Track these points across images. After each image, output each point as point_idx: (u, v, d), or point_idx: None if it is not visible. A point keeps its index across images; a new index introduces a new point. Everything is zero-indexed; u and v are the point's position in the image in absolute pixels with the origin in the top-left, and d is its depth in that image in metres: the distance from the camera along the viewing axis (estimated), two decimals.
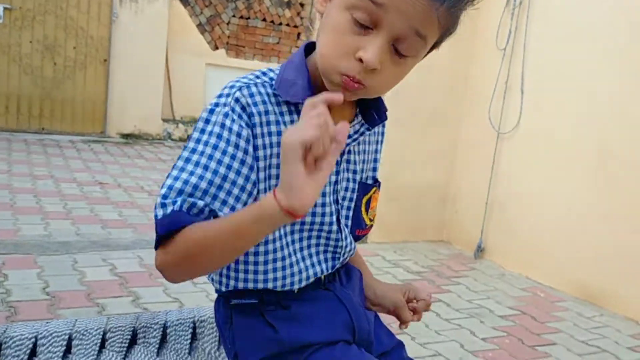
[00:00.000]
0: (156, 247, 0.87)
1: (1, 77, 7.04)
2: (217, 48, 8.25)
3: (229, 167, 0.87)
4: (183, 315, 1.15)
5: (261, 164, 0.90)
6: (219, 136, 0.87)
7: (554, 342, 3.02)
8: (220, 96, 0.91)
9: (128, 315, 1.10)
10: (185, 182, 0.85)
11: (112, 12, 7.46)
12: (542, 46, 3.94)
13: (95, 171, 5.72)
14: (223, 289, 1.00)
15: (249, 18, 8.31)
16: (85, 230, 3.87)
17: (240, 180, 0.88)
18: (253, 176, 0.89)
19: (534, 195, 3.97)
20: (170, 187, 0.85)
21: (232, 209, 0.87)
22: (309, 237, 0.99)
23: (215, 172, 0.86)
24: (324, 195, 0.96)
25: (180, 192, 0.85)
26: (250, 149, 0.89)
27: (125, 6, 7.54)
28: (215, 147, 0.87)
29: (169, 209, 0.84)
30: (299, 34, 8.59)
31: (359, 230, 1.06)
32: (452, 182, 4.61)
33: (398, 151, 4.28)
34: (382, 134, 1.13)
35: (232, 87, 0.91)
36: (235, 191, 0.87)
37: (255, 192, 0.90)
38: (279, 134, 0.90)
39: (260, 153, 0.90)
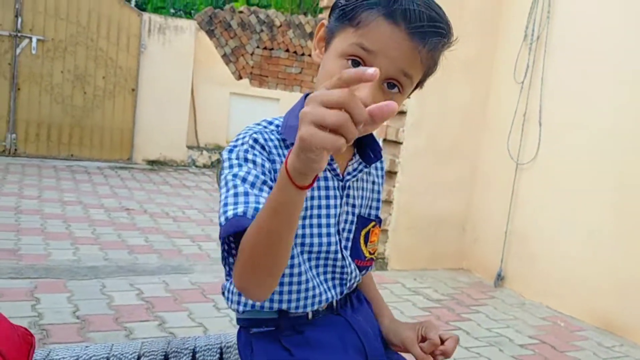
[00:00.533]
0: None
1: (33, 105, 7.31)
2: (241, 78, 8.45)
3: (256, 177, 0.98)
4: (210, 341, 1.24)
5: None
6: (245, 160, 0.99)
7: None
8: (237, 140, 1.04)
9: (160, 339, 1.19)
10: (233, 206, 0.95)
11: (141, 43, 7.72)
12: (559, 79, 4.01)
13: (121, 197, 5.88)
14: (241, 308, 1.08)
15: (272, 49, 8.51)
16: (112, 256, 3.99)
17: (265, 187, 0.98)
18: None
19: (554, 225, 4.00)
20: (225, 218, 0.95)
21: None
22: (319, 265, 1.08)
23: (249, 183, 0.97)
24: (328, 225, 1.07)
25: (231, 213, 0.95)
26: (271, 172, 1.00)
27: (153, 38, 7.80)
28: (240, 167, 0.99)
29: (229, 217, 0.94)
30: None
31: (359, 261, 1.14)
32: (471, 211, 4.66)
33: (418, 180, 4.36)
34: (382, 176, 1.23)
35: (247, 131, 1.04)
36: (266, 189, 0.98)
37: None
38: None
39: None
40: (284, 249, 0.88)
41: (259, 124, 1.08)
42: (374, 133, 1.14)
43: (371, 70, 0.67)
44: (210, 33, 8.19)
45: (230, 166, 1.00)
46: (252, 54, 8.43)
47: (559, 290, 3.94)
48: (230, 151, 1.02)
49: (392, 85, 0.96)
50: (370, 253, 1.16)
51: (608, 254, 3.63)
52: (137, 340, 1.13)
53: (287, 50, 8.59)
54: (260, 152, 1.01)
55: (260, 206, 0.94)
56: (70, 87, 7.48)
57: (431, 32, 0.93)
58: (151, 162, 7.99)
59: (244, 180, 0.97)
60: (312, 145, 0.69)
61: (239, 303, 1.09)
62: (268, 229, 0.85)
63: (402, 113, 4.33)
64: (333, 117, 0.68)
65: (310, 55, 8.65)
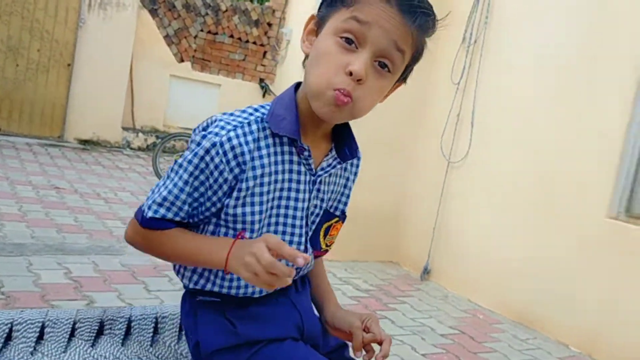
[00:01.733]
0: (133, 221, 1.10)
1: None
2: (182, 60, 8.33)
3: (201, 194, 1.05)
4: (146, 311, 1.27)
5: (250, 182, 1.04)
6: (204, 167, 1.03)
7: None
8: (215, 126, 1.04)
9: (96, 308, 1.21)
10: (164, 197, 1.05)
11: (80, 17, 7.48)
12: (492, 82, 4.20)
13: (51, 175, 5.70)
14: (190, 285, 1.13)
15: (216, 33, 8.43)
16: (40, 234, 3.88)
17: (208, 203, 1.06)
18: (220, 194, 1.05)
19: (478, 223, 4.20)
20: (151, 199, 1.07)
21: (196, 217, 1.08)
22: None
23: (181, 190, 1.04)
24: (294, 217, 1.11)
25: (159, 204, 1.05)
26: (225, 186, 1.04)
27: (93, 12, 7.56)
28: (190, 174, 1.04)
29: (149, 215, 1.06)
30: (265, 53, 8.75)
31: (315, 251, 1.18)
32: (403, 206, 4.81)
33: None
34: (356, 173, 1.26)
35: (227, 123, 1.04)
36: (204, 206, 1.07)
37: (219, 203, 1.06)
38: (269, 164, 1.05)
39: (243, 185, 1.04)
40: (187, 265, 1.12)
41: (243, 113, 1.07)
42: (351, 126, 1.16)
43: (300, 261, 0.89)
44: (154, 12, 8.02)
45: (193, 155, 1.03)
46: (195, 37, 8.32)
47: (479, 284, 4.14)
48: (203, 137, 1.02)
49: (383, 65, 1.00)
50: (327, 245, 1.20)
51: (526, 252, 3.85)
52: (73, 308, 1.15)
53: (232, 36, 8.53)
54: (224, 153, 1.01)
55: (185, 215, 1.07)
56: (2, 57, 7.16)
57: (420, 12, 0.99)
58: (84, 142, 7.76)
59: (190, 183, 1.04)
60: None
61: (188, 279, 1.13)
62: (183, 256, 1.08)
63: None
64: (265, 277, 0.92)
65: (255, 43, 8.63)
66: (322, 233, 1.18)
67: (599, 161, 3.47)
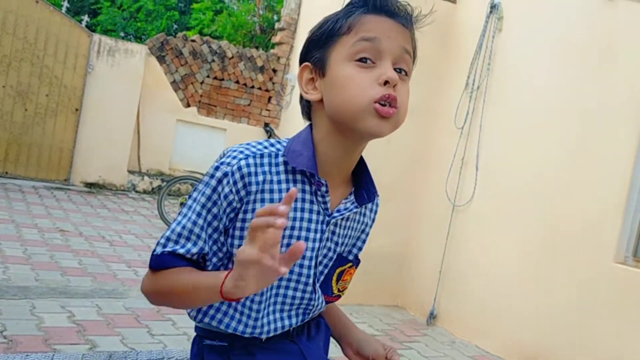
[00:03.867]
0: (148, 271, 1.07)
1: None
2: (189, 105, 8.44)
3: (208, 223, 1.04)
4: (152, 356, 1.25)
5: (247, 224, 1.03)
6: (216, 200, 1.03)
7: None
8: (227, 156, 1.05)
9: (102, 352, 1.20)
10: (177, 233, 1.05)
11: (89, 63, 7.63)
12: (495, 127, 4.23)
13: (56, 218, 5.71)
14: (197, 322, 1.13)
15: (222, 79, 8.57)
16: (44, 276, 3.87)
17: (216, 235, 1.05)
18: (221, 226, 1.04)
19: (485, 267, 4.16)
20: (163, 236, 1.06)
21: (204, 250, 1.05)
22: (287, 296, 1.10)
23: (195, 223, 1.03)
24: (304, 257, 1.08)
25: (168, 238, 1.05)
26: (232, 214, 1.04)
27: (102, 59, 7.72)
28: (203, 205, 1.04)
29: (159, 251, 1.05)
30: (270, 98, 8.87)
31: (326, 296, 1.16)
32: (409, 249, 4.78)
33: None
34: (374, 219, 1.25)
35: (240, 152, 1.05)
36: (213, 237, 1.05)
37: (223, 243, 1.05)
38: (280, 200, 1.02)
39: (249, 216, 1.03)
40: (192, 307, 1.08)
41: (259, 144, 1.08)
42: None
43: (279, 221, 0.81)
44: (161, 59, 8.17)
45: (205, 186, 1.04)
46: (202, 83, 8.45)
47: (486, 330, 4.08)
48: (217, 168, 1.04)
49: (400, 70, 1.05)
50: (339, 290, 1.18)
51: (534, 297, 3.80)
52: (78, 352, 1.13)
53: (237, 82, 8.66)
54: (234, 183, 1.02)
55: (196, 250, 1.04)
56: (11, 102, 7.28)
57: (405, 13, 1.07)
58: (89, 185, 7.81)
59: (194, 223, 1.04)
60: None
61: (198, 311, 1.11)
62: (181, 297, 1.03)
63: None
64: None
65: (260, 88, 8.76)
66: (334, 278, 1.16)
67: (605, 205, 3.46)
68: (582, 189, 3.61)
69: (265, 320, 1.08)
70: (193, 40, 8.42)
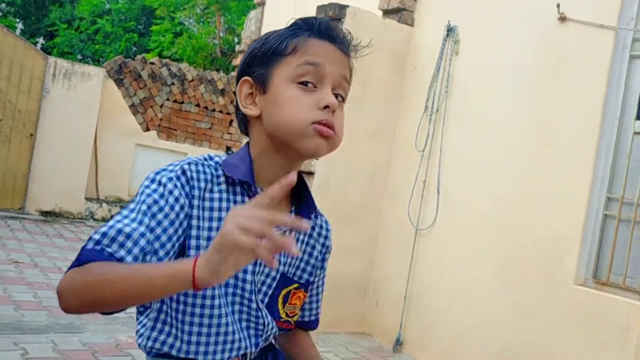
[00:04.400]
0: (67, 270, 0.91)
1: None
2: (148, 129, 8.31)
3: (158, 223, 0.98)
4: None
5: (193, 232, 1.02)
6: (161, 195, 1.00)
7: None
8: (164, 168, 1.05)
9: None
10: (117, 229, 0.94)
11: (44, 87, 7.45)
12: (455, 149, 4.27)
13: (10, 249, 5.51)
14: (149, 355, 1.07)
15: (182, 102, 8.48)
16: None
17: (164, 238, 0.98)
18: (175, 239, 1.00)
19: (449, 291, 4.17)
20: (102, 232, 0.94)
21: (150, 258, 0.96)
22: (242, 312, 1.08)
23: (147, 226, 0.96)
24: (245, 271, 1.06)
25: (104, 234, 0.93)
26: (182, 215, 1.01)
27: (57, 82, 7.55)
28: (155, 202, 0.99)
29: (91, 245, 0.93)
30: (231, 121, 8.80)
31: (276, 321, 1.13)
32: (372, 274, 4.76)
33: None
34: (324, 244, 1.22)
35: (180, 162, 1.07)
36: (157, 245, 0.97)
37: (172, 252, 0.99)
38: (219, 209, 1.05)
39: (194, 222, 1.03)
40: (132, 304, 0.90)
41: (197, 157, 1.10)
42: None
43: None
44: (119, 82, 8.05)
45: (146, 188, 1.00)
46: (161, 106, 8.34)
47: (454, 356, 4.07)
48: (157, 173, 1.03)
49: (337, 96, 1.08)
50: (287, 315, 1.15)
51: (497, 320, 3.82)
52: None
53: (198, 105, 8.58)
54: (182, 186, 1.02)
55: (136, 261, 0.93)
56: None
57: (347, 41, 1.11)
58: (45, 213, 7.57)
59: (146, 226, 0.96)
60: (230, 241, 0.76)
61: (148, 338, 1.06)
62: (127, 288, 0.85)
63: (310, 174, 4.42)
64: (255, 223, 0.76)
65: (221, 112, 8.69)
66: (280, 300, 1.13)
67: (564, 227, 3.51)
68: (541, 211, 3.66)
69: (220, 338, 1.05)
70: (152, 63, 8.33)
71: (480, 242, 4.00)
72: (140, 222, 0.95)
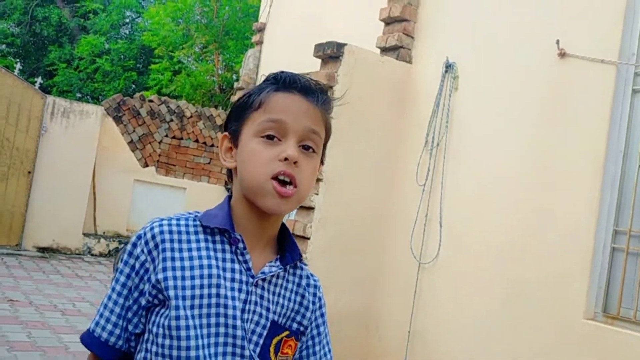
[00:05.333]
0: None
1: None
2: (147, 165, 8.29)
3: (126, 298, 1.06)
4: None
5: (170, 282, 1.02)
6: (126, 263, 1.07)
7: None
8: (144, 227, 1.08)
9: None
10: (100, 314, 1.07)
11: (42, 125, 7.45)
12: (457, 183, 4.24)
13: (6, 287, 5.42)
14: None
15: (181, 138, 8.49)
16: None
17: (135, 307, 1.05)
18: (143, 301, 1.04)
19: (453, 325, 4.08)
20: (95, 320, 1.07)
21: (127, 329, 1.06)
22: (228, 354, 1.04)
23: (120, 305, 1.06)
24: (234, 318, 1.03)
25: (96, 323, 1.07)
26: (144, 273, 1.04)
27: (56, 121, 7.57)
28: (122, 281, 1.06)
29: (86, 333, 1.08)
30: None
31: None
32: (375, 309, 4.67)
33: (323, 276, 4.31)
34: (315, 294, 1.19)
35: (157, 219, 1.09)
36: (130, 315, 1.05)
37: (145, 304, 1.04)
38: (199, 257, 1.05)
39: (169, 273, 1.02)
40: None
41: (177, 214, 1.12)
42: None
43: None
44: (118, 119, 8.06)
45: (123, 256, 1.07)
46: (160, 142, 8.34)
47: None
48: (127, 252, 1.07)
49: (307, 147, 1.08)
50: None
51: (504, 355, 3.73)
52: None
53: (197, 141, 8.59)
54: (145, 243, 1.05)
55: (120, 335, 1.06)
56: None
57: (319, 92, 1.10)
58: (42, 249, 7.49)
59: (120, 292, 1.06)
60: None
61: None
62: None
63: (311, 209, 4.38)
64: None
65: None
66: (272, 349, 1.09)
67: (571, 261, 3.45)
68: (547, 245, 3.61)
69: None
70: (151, 100, 8.36)
71: (485, 276, 3.94)
72: (116, 303, 1.05)
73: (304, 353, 1.17)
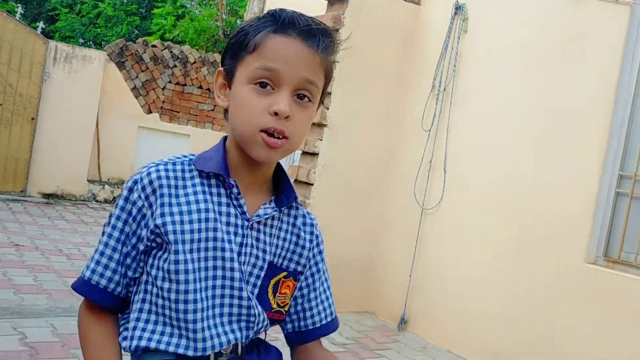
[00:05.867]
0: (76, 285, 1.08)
1: None
2: (150, 112, 8.23)
3: (121, 242, 1.04)
4: None
5: (169, 227, 1.00)
6: (127, 216, 1.04)
7: None
8: (139, 170, 1.06)
9: None
10: (96, 261, 1.05)
11: (45, 71, 7.36)
12: (462, 128, 4.18)
13: (11, 232, 5.46)
14: (134, 354, 1.03)
15: (185, 85, 8.38)
16: None
17: (134, 252, 1.04)
18: (141, 246, 1.03)
19: (456, 270, 4.10)
20: (89, 266, 1.06)
21: (124, 275, 1.05)
22: (224, 305, 1.03)
23: (119, 252, 1.04)
24: (232, 260, 1.02)
25: (93, 270, 1.06)
26: (141, 219, 1.02)
27: (58, 66, 7.46)
28: (121, 231, 1.04)
29: (80, 281, 1.06)
30: None
31: (267, 312, 1.08)
32: (378, 254, 4.69)
33: (326, 222, 4.34)
34: (313, 232, 1.17)
35: (152, 163, 1.06)
36: (128, 261, 1.04)
37: (143, 248, 1.03)
38: (197, 202, 1.03)
39: (168, 219, 1.00)
40: None
41: (172, 157, 1.09)
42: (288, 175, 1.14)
43: None
44: (121, 65, 7.95)
45: (118, 201, 1.05)
46: (163, 89, 8.25)
47: (458, 334, 4.01)
48: (123, 197, 1.05)
49: (302, 96, 1.01)
50: (279, 305, 1.11)
51: (503, 298, 3.75)
52: None
53: (200, 87, 8.49)
54: (142, 189, 1.02)
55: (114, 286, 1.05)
56: None
57: (320, 35, 1.01)
58: (47, 196, 7.53)
59: (117, 237, 1.05)
60: None
61: (132, 338, 1.03)
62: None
63: (314, 155, 4.34)
64: None
65: None
66: (270, 290, 1.09)
67: (575, 205, 3.42)
68: (551, 189, 3.57)
69: (207, 334, 1.01)
70: (154, 46, 8.22)
71: (487, 221, 3.92)
72: (114, 249, 1.04)
73: (305, 291, 1.16)
